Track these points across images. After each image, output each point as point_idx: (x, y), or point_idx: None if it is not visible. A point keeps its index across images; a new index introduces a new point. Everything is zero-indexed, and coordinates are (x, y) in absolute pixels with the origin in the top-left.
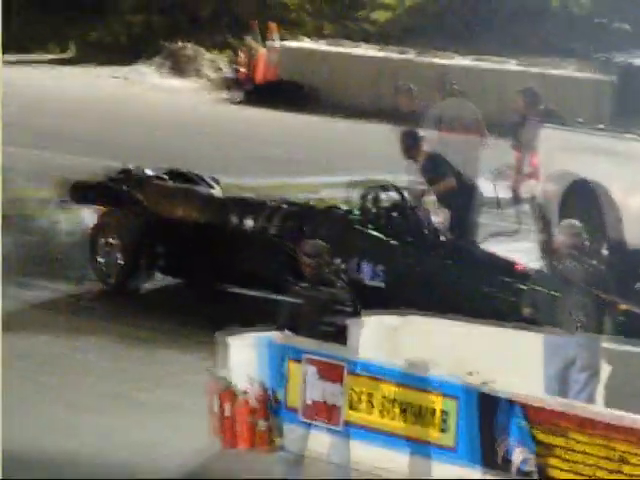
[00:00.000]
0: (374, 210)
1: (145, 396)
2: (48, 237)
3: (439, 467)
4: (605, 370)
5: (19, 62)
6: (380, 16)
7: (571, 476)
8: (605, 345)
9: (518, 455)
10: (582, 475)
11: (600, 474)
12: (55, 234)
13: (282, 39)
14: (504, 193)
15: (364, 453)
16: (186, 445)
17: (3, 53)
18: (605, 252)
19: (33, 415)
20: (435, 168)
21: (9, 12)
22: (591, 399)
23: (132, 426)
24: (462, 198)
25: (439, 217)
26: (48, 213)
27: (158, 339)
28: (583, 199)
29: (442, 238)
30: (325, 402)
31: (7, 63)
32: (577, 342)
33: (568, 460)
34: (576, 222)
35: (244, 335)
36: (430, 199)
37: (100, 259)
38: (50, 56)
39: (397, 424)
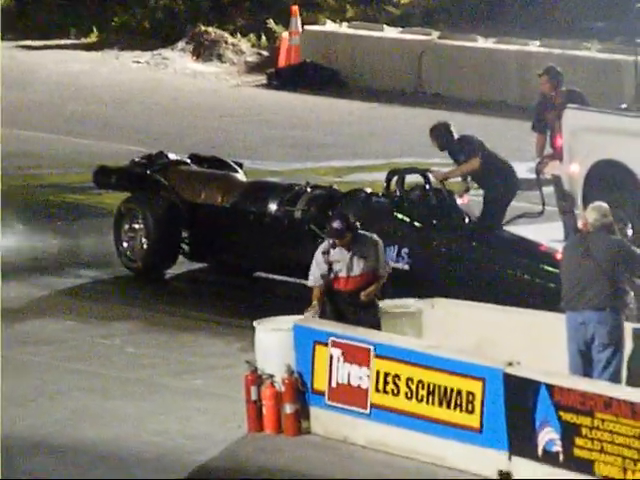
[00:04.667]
0: (398, 193)
1: (171, 381)
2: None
3: (465, 449)
4: (628, 348)
5: (45, 47)
6: None
7: (598, 456)
8: (632, 324)
9: (544, 436)
10: (610, 454)
11: (629, 453)
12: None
13: (304, 22)
14: (528, 174)
15: (390, 435)
16: (212, 430)
17: (26, 39)
18: (630, 232)
19: (60, 401)
20: (462, 150)
21: None
22: (616, 378)
23: (158, 412)
24: (491, 180)
25: (463, 199)
26: (77, 198)
27: (183, 324)
28: (607, 180)
29: (466, 220)
30: (351, 385)
31: (32, 48)
32: (597, 319)
33: (594, 439)
34: (604, 204)
35: (270, 319)
36: (455, 181)
37: (124, 244)
38: (72, 41)
39: (423, 406)
